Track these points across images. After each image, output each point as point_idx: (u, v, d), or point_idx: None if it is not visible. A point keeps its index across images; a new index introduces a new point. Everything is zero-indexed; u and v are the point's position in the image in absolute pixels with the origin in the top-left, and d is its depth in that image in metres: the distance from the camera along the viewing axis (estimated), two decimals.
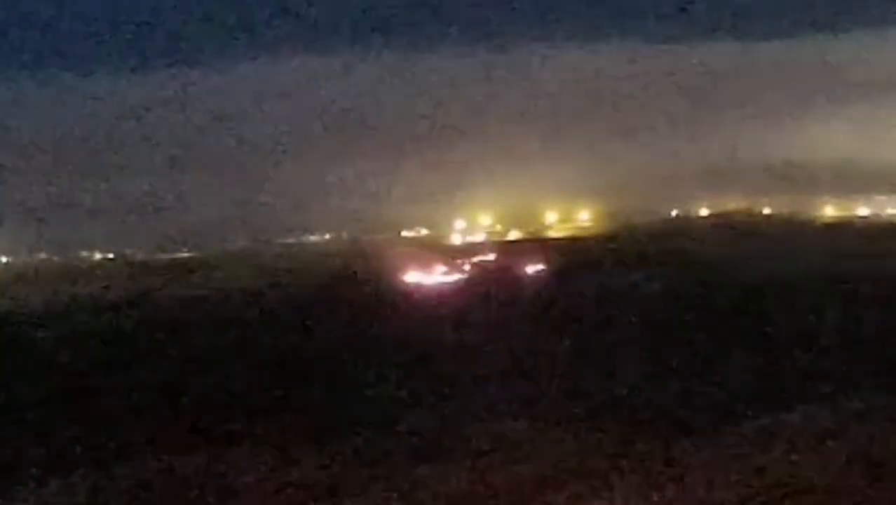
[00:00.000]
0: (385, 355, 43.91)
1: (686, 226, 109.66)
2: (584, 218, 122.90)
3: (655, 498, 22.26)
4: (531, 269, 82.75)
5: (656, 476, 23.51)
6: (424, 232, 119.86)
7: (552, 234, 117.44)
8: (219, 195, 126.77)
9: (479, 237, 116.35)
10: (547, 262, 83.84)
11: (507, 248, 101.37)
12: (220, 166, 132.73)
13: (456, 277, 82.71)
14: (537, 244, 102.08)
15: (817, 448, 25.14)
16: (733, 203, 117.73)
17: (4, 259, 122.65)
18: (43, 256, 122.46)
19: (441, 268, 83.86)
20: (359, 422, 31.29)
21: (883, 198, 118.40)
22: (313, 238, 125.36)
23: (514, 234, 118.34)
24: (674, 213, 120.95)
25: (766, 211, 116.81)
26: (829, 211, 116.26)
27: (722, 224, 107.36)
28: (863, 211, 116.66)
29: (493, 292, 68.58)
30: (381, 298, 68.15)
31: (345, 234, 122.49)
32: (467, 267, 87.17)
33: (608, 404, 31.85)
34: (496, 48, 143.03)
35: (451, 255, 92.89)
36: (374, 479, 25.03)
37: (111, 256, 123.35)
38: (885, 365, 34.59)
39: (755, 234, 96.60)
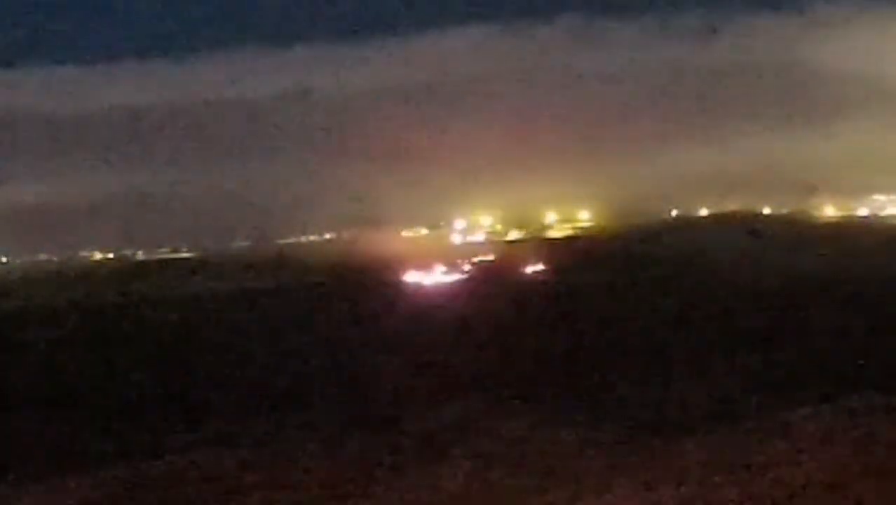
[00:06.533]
0: (385, 355, 43.93)
1: (686, 226, 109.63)
2: (584, 218, 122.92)
3: (655, 498, 22.25)
4: (531, 269, 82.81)
5: (656, 476, 23.51)
6: (424, 232, 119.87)
7: (552, 234, 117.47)
8: (219, 195, 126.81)
9: (479, 237, 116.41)
10: (547, 262, 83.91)
11: (507, 249, 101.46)
12: (219, 166, 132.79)
13: (456, 277, 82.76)
14: (537, 244, 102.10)
15: (818, 448, 25.14)
16: (733, 203, 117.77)
17: (4, 259, 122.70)
18: (43, 256, 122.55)
19: (441, 268, 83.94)
20: (359, 422, 31.30)
21: (883, 198, 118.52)
22: (313, 238, 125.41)
23: (514, 235, 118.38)
24: (674, 213, 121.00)
25: (766, 211, 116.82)
26: (829, 211, 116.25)
27: (722, 224, 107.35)
28: (863, 211, 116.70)
29: (493, 292, 68.61)
30: (381, 297, 68.16)
31: (345, 234, 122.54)
32: (467, 267, 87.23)
33: (608, 404, 31.85)
34: (498, 47, 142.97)
35: (451, 255, 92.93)
36: (374, 479, 25.02)
37: (111, 255, 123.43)
38: (886, 365, 34.57)
39: (755, 234, 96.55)
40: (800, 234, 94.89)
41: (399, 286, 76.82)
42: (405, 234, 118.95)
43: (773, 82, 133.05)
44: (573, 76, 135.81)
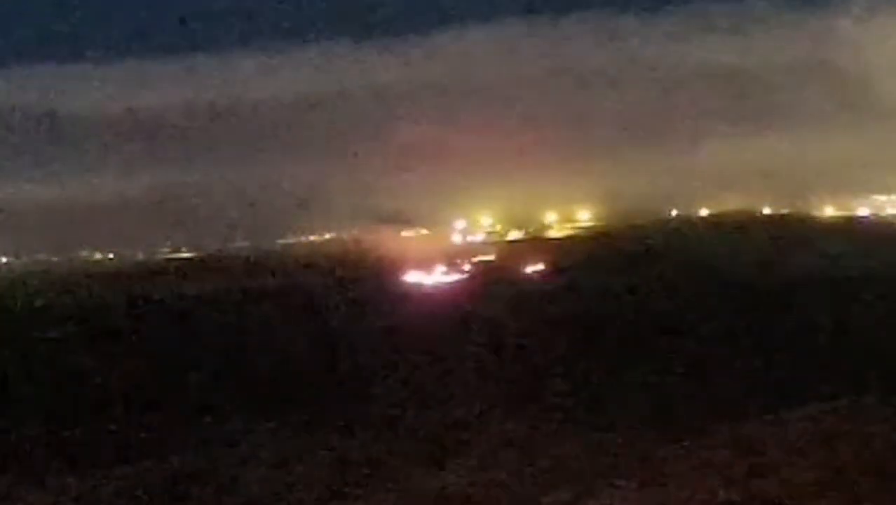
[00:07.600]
0: (385, 355, 43.91)
1: (686, 226, 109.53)
2: (584, 218, 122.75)
3: (656, 498, 22.26)
4: (531, 269, 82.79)
5: (656, 476, 23.52)
6: (424, 232, 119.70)
7: (552, 234, 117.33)
8: (219, 194, 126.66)
9: (479, 237, 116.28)
10: (547, 262, 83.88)
11: (507, 249, 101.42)
12: (219, 165, 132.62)
13: (456, 277, 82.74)
14: (537, 244, 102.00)
15: (818, 448, 25.15)
16: (733, 203, 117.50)
17: (4, 259, 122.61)
18: (43, 256, 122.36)
19: (441, 268, 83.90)
20: (359, 422, 31.30)
21: (883, 198, 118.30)
22: (313, 238, 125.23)
23: (514, 235, 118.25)
24: (674, 213, 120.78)
25: (767, 211, 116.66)
26: (829, 211, 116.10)
27: (722, 224, 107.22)
28: (863, 211, 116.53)
29: (493, 292, 68.58)
30: (381, 298, 68.14)
31: (345, 235, 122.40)
32: (467, 267, 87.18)
33: (608, 404, 31.86)
34: (497, 46, 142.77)
35: (451, 255, 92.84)
36: (374, 479, 25.03)
37: (111, 256, 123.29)
38: (886, 365, 34.57)
39: (755, 234, 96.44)
40: (800, 234, 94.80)
41: (399, 286, 76.79)
42: (405, 234, 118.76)
43: (782, 83, 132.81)
44: (579, 75, 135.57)
